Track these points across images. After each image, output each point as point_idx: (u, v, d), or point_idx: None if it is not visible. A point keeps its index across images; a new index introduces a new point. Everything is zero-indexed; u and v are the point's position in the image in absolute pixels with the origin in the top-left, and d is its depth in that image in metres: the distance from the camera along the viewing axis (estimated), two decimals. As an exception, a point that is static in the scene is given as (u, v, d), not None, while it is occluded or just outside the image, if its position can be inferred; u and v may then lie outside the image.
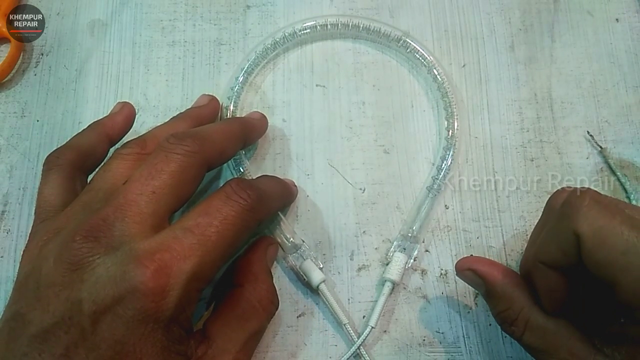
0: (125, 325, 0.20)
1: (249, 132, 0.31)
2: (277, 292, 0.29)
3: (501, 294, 0.25)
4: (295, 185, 0.33)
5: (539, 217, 0.26)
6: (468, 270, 0.27)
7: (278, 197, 0.31)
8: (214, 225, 0.23)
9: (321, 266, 0.31)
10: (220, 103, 0.33)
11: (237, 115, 0.34)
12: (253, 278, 0.28)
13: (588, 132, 0.35)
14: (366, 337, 0.30)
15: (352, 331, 0.30)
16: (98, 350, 0.20)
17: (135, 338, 0.21)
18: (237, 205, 0.24)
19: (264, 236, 0.31)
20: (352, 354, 0.30)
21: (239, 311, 0.26)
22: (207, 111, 0.32)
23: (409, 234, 0.32)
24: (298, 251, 0.32)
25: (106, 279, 0.21)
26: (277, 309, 0.28)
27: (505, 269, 0.26)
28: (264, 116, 0.33)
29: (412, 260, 0.32)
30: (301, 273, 0.31)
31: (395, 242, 0.32)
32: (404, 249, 0.32)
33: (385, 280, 0.31)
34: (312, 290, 0.32)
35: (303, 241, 0.32)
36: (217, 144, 0.26)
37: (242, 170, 0.33)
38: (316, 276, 0.31)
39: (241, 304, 0.27)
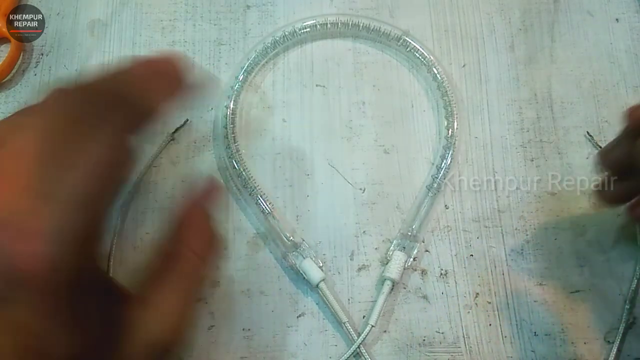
0: (22, 310, 0.17)
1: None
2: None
3: None
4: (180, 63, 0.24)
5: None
6: None
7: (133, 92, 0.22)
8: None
9: (321, 265, 0.31)
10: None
11: (237, 116, 0.34)
12: (187, 223, 0.25)
13: (588, 133, 0.35)
14: (366, 335, 0.30)
15: (351, 330, 0.30)
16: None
17: (39, 318, 0.18)
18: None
19: (208, 178, 0.28)
20: (352, 353, 0.30)
21: (171, 263, 0.23)
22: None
23: (409, 233, 0.32)
24: (298, 250, 0.32)
25: None
26: (219, 251, 0.26)
27: None
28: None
29: (411, 259, 0.32)
30: (301, 272, 0.31)
31: (394, 241, 0.32)
32: (404, 247, 0.32)
33: (385, 279, 0.31)
34: (312, 289, 0.32)
35: (303, 240, 0.32)
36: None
37: (237, 167, 0.33)
38: (316, 275, 0.31)
39: (173, 255, 0.24)
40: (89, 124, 0.19)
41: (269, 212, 0.32)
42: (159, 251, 0.24)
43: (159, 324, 0.22)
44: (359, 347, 0.30)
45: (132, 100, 0.21)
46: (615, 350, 0.30)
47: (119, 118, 0.20)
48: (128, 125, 0.21)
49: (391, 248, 0.32)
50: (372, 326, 0.30)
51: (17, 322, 0.18)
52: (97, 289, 0.21)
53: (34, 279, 0.17)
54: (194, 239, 0.24)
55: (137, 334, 0.21)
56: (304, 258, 0.31)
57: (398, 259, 0.31)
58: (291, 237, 0.32)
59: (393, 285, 0.31)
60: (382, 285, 0.31)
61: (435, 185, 0.33)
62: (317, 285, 0.31)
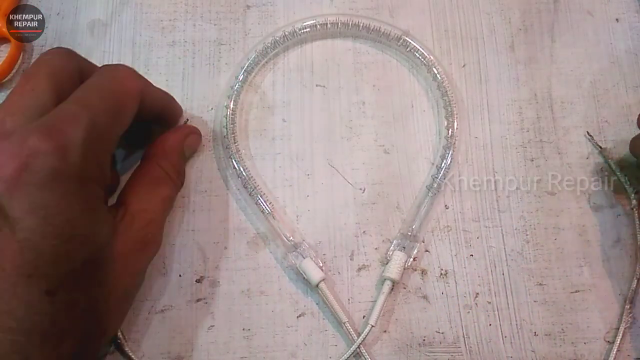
0: (39, 188, 0.21)
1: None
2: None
3: None
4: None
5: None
6: None
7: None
8: (94, 93, 0.25)
9: (321, 265, 0.31)
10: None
11: (237, 116, 0.34)
12: (164, 154, 0.30)
13: (588, 133, 0.35)
14: (366, 335, 0.30)
15: (351, 329, 0.30)
16: (23, 222, 0.21)
17: (55, 198, 0.22)
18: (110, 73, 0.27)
19: (188, 125, 0.33)
20: (352, 353, 0.30)
21: (150, 179, 0.29)
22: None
23: (409, 233, 0.32)
24: (298, 250, 0.32)
25: (6, 157, 0.22)
26: (182, 183, 0.32)
27: None
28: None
29: (411, 259, 0.32)
30: (301, 272, 0.31)
31: (394, 241, 0.32)
32: (404, 247, 0.32)
33: (385, 279, 0.31)
34: (312, 289, 0.32)
35: (303, 240, 0.32)
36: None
37: (237, 167, 0.33)
38: (316, 275, 0.31)
39: (152, 172, 0.29)
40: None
41: (269, 212, 0.32)
42: (140, 167, 0.30)
43: (137, 221, 0.27)
44: (359, 347, 0.30)
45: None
46: (615, 350, 0.30)
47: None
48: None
49: (391, 248, 0.32)
50: (372, 326, 0.30)
51: (41, 204, 0.21)
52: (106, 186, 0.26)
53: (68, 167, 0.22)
54: (173, 167, 0.30)
55: (124, 229, 0.26)
56: (304, 258, 0.31)
57: (398, 259, 0.31)
58: (291, 237, 0.32)
59: (393, 285, 0.31)
60: (382, 285, 0.31)
61: (435, 185, 0.33)
62: (317, 285, 0.31)
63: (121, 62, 0.36)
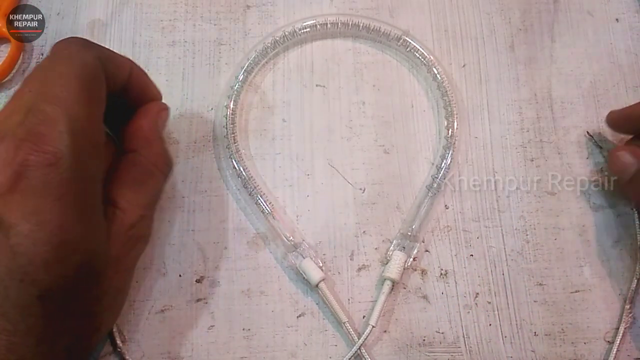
0: (33, 195, 0.21)
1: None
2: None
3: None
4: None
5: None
6: (624, 152, 0.31)
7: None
8: (57, 84, 0.24)
9: (321, 265, 0.31)
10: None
11: (237, 116, 0.34)
12: (146, 143, 0.29)
13: (588, 133, 0.35)
14: (367, 336, 0.30)
15: (351, 330, 0.30)
16: (16, 228, 0.21)
17: (49, 204, 0.22)
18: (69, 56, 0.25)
19: (154, 102, 0.30)
20: (353, 354, 0.30)
21: (136, 174, 0.28)
22: None
23: (409, 233, 0.32)
24: (298, 250, 0.32)
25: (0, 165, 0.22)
26: (171, 169, 0.30)
27: None
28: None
29: (411, 259, 0.32)
30: (301, 272, 0.31)
31: (394, 241, 0.32)
32: (404, 247, 0.32)
33: (385, 279, 0.31)
34: (312, 289, 0.32)
35: (303, 240, 0.32)
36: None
37: (237, 167, 0.33)
38: (315, 275, 0.31)
39: (137, 168, 0.28)
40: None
41: (269, 212, 0.32)
42: (124, 163, 0.28)
43: (127, 220, 0.26)
44: (359, 348, 0.30)
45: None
46: (615, 350, 0.30)
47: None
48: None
49: (391, 248, 0.32)
50: (373, 326, 0.30)
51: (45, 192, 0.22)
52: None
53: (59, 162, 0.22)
54: (158, 157, 0.29)
55: (115, 229, 0.26)
56: (303, 258, 0.31)
57: (398, 258, 0.31)
58: (291, 237, 0.32)
59: (393, 285, 0.31)
60: (382, 285, 0.31)
61: (435, 185, 0.33)
62: (317, 285, 0.31)
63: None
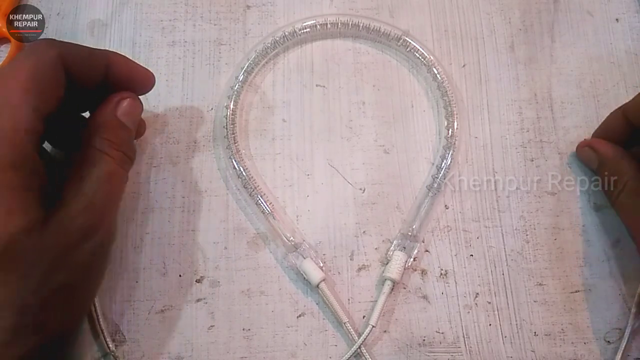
0: None
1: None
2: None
3: (611, 163, 0.32)
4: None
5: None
6: (587, 147, 0.33)
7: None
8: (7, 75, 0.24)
9: (321, 265, 0.31)
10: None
11: (237, 116, 0.34)
12: (95, 129, 0.27)
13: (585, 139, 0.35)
14: (367, 336, 0.30)
15: (352, 330, 0.30)
16: None
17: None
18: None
19: (118, 92, 0.29)
20: (352, 353, 0.30)
21: (82, 160, 0.26)
22: None
23: (409, 233, 0.32)
24: (298, 250, 0.32)
25: None
26: (131, 158, 0.29)
27: (614, 146, 0.32)
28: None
29: (412, 259, 0.32)
30: (301, 272, 0.31)
31: (395, 241, 0.32)
32: (404, 247, 0.32)
33: (385, 279, 0.31)
34: (312, 289, 0.32)
35: (303, 240, 0.32)
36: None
37: (237, 167, 0.33)
38: (316, 275, 0.31)
39: (82, 154, 0.26)
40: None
41: (269, 213, 0.32)
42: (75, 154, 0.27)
43: (71, 209, 0.25)
44: (359, 347, 0.30)
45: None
46: (619, 356, 0.30)
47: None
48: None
49: (391, 248, 0.32)
50: (373, 326, 0.30)
51: None
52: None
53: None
54: (94, 135, 0.27)
55: (57, 219, 0.24)
56: (304, 258, 0.31)
57: (398, 259, 0.31)
58: (291, 238, 0.32)
59: (393, 286, 0.31)
60: (383, 285, 0.31)
61: (435, 185, 0.33)
62: (318, 286, 0.31)
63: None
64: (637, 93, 0.31)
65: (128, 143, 0.29)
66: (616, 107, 0.32)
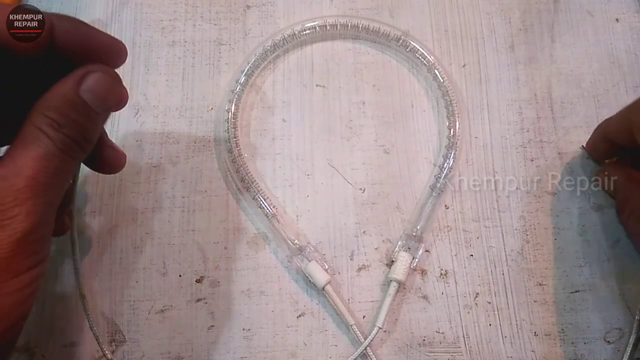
0: None
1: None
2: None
3: (623, 191, 0.32)
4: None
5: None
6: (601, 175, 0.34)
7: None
8: None
9: (326, 267, 0.32)
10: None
11: (237, 117, 0.34)
12: (40, 105, 0.23)
13: (583, 146, 0.35)
14: (373, 337, 0.30)
15: (358, 332, 0.30)
16: None
17: None
18: None
19: (84, 66, 0.24)
20: (358, 354, 0.30)
21: (18, 139, 0.22)
22: None
23: (413, 234, 0.32)
24: (303, 253, 0.32)
25: None
26: (80, 144, 0.24)
27: (623, 169, 0.32)
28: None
29: (417, 260, 0.32)
30: (307, 275, 0.31)
31: (399, 242, 0.32)
32: (409, 248, 0.32)
33: (391, 281, 0.31)
34: (312, 288, 0.32)
35: (308, 243, 0.32)
36: None
37: (237, 168, 0.33)
38: (322, 278, 0.31)
39: (20, 131, 0.22)
40: None
41: (273, 215, 0.32)
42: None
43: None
44: (365, 349, 0.30)
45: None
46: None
47: None
48: None
49: (396, 249, 0.32)
50: (380, 328, 0.30)
51: None
52: None
53: None
54: (36, 111, 0.23)
55: None
56: (309, 261, 0.31)
57: (403, 259, 0.31)
58: (296, 241, 0.32)
59: (399, 287, 0.31)
60: (388, 286, 0.31)
61: (439, 185, 0.33)
62: (323, 288, 0.31)
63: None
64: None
65: (82, 126, 0.23)
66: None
